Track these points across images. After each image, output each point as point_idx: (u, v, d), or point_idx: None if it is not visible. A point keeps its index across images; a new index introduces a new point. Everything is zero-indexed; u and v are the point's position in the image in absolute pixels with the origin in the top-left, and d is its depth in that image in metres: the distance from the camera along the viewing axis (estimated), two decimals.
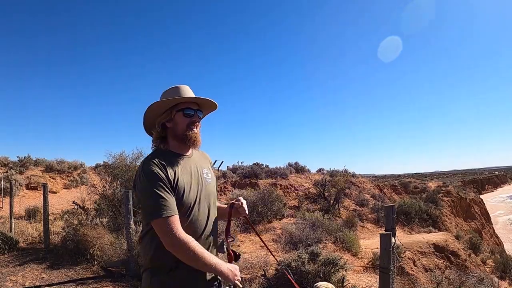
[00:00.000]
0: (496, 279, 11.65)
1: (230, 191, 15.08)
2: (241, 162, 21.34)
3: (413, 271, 10.27)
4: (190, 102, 1.76)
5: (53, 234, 7.50)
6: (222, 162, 23.10)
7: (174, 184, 1.61)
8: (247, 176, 18.14)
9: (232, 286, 1.62)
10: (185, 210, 1.64)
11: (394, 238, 4.08)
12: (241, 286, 1.61)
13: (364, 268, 9.31)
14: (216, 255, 1.81)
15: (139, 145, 8.46)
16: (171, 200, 1.55)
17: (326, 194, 16.20)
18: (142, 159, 6.81)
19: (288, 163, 21.52)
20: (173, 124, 1.75)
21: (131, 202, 5.30)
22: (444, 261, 11.31)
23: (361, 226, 14.84)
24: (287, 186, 17.31)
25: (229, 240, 1.79)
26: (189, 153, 1.82)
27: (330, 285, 2.53)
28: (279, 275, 4.60)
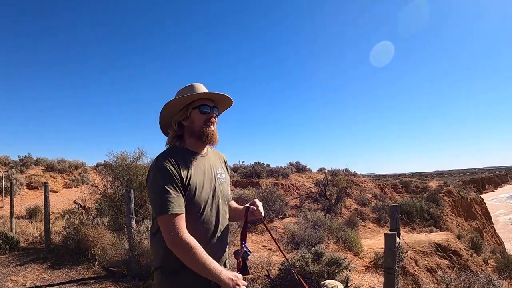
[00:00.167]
0: (495, 278, 11.61)
1: (232, 190, 15.06)
2: (242, 162, 21.31)
3: (415, 270, 10.24)
4: (205, 99, 1.75)
5: (54, 234, 7.46)
6: None
7: (186, 183, 1.59)
8: (249, 176, 18.11)
9: None
10: (197, 210, 1.62)
11: (399, 238, 4.04)
12: None
13: (366, 267, 9.28)
14: (222, 261, 1.77)
15: (140, 144, 8.42)
16: (180, 199, 1.54)
17: (328, 193, 16.17)
18: (142, 158, 6.72)
19: (289, 162, 21.50)
20: (189, 122, 1.73)
21: (132, 202, 5.26)
22: (446, 261, 11.28)
23: (362, 225, 14.81)
24: (288, 185, 17.28)
25: (243, 251, 1.70)
26: (204, 151, 1.80)
27: (337, 282, 2.48)
28: (283, 275, 4.56)
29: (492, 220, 32.43)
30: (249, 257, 1.69)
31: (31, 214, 10.37)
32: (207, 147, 1.82)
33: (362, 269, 8.96)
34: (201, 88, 1.76)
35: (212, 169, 1.78)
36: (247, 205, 1.90)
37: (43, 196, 7.11)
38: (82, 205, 9.98)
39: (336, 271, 4.55)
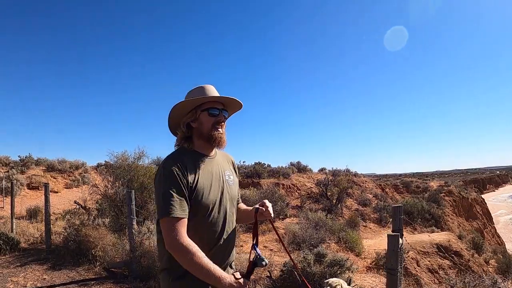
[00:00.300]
0: (499, 280, 11.58)
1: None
2: (243, 162, 21.28)
3: (417, 271, 10.21)
4: (215, 102, 1.74)
5: (55, 234, 7.44)
6: None
7: (194, 185, 1.59)
8: (250, 176, 18.10)
9: None
10: (204, 212, 1.62)
11: (402, 239, 4.01)
12: None
13: (367, 268, 9.25)
14: (229, 263, 1.75)
15: (141, 144, 8.40)
16: (183, 203, 1.53)
17: (329, 193, 16.14)
18: (143, 158, 6.68)
19: (290, 162, 21.48)
20: (198, 124, 1.73)
21: (133, 203, 5.23)
22: (447, 261, 11.25)
23: (363, 226, 14.79)
24: (289, 185, 17.27)
25: (256, 257, 1.61)
26: (212, 153, 1.80)
27: (341, 281, 2.44)
28: (285, 276, 4.53)
29: (493, 220, 32.40)
30: (263, 262, 1.58)
31: (32, 214, 10.35)
32: (215, 149, 1.82)
33: (363, 270, 8.93)
34: (212, 91, 1.75)
35: (220, 171, 1.77)
36: (257, 206, 1.87)
37: (43, 196, 7.09)
38: (83, 205, 9.96)
39: (339, 272, 4.53)
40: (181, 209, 1.51)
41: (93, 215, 8.07)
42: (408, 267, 9.74)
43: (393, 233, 3.80)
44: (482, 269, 12.03)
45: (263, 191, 12.10)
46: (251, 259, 1.62)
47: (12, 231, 7.62)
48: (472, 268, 11.43)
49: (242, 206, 2.02)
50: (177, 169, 1.56)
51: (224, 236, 1.69)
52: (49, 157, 20.87)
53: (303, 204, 15.42)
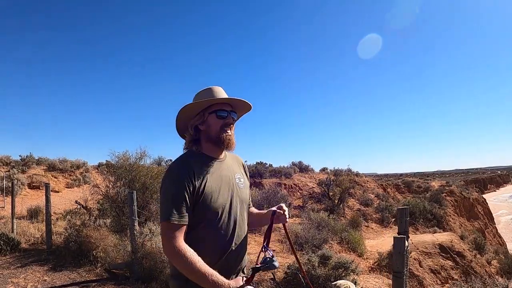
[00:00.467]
0: (501, 280, 11.53)
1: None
2: (245, 161, 21.29)
3: (419, 272, 10.16)
4: (223, 104, 1.70)
5: (56, 235, 7.39)
6: None
7: (201, 189, 1.55)
8: (251, 176, 18.06)
9: None
10: (214, 216, 1.58)
11: (407, 241, 3.95)
12: None
13: (370, 269, 9.20)
14: (241, 268, 1.69)
15: (142, 144, 8.34)
16: (184, 208, 1.50)
17: (331, 193, 16.10)
18: (145, 158, 6.63)
19: (292, 162, 21.43)
20: (206, 127, 1.69)
21: (135, 203, 5.17)
22: (450, 262, 11.19)
23: (365, 226, 14.74)
24: (291, 185, 17.23)
25: (265, 258, 1.55)
26: (222, 156, 1.75)
27: (349, 283, 2.39)
28: (289, 278, 4.46)
29: (494, 220, 32.32)
30: (275, 263, 1.53)
31: (33, 214, 10.29)
32: (225, 151, 1.77)
33: (366, 271, 8.87)
34: (220, 93, 1.72)
35: (230, 174, 1.72)
36: (274, 208, 1.82)
37: (44, 196, 7.04)
38: (84, 205, 9.91)
39: (343, 274, 4.46)
40: (180, 215, 1.48)
41: (94, 215, 8.01)
42: (410, 268, 9.70)
43: (399, 235, 3.74)
44: (485, 270, 11.97)
45: (265, 191, 12.05)
46: (260, 261, 1.57)
47: (12, 231, 7.57)
48: (475, 269, 11.37)
49: (254, 210, 1.97)
50: (182, 174, 1.53)
51: (235, 241, 1.64)
52: (50, 157, 20.85)
53: (305, 204, 15.38)
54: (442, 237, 12.61)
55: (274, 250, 8.38)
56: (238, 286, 1.43)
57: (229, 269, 1.60)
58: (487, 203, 32.44)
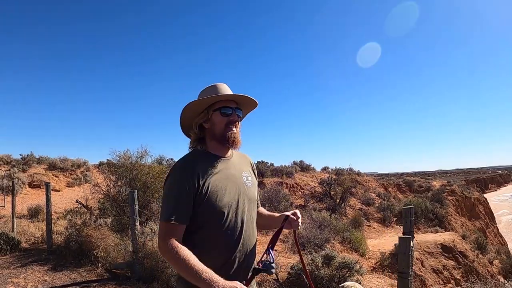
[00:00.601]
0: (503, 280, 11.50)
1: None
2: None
3: (422, 271, 10.13)
4: (227, 101, 1.66)
5: (56, 234, 7.34)
6: None
7: (206, 188, 1.51)
8: None
9: None
10: (220, 216, 1.53)
11: (412, 241, 3.90)
12: None
13: (372, 268, 9.15)
14: (250, 267, 1.64)
15: (144, 143, 8.29)
16: (183, 209, 1.49)
17: (332, 193, 16.06)
18: (146, 157, 6.58)
19: (294, 161, 21.40)
20: (210, 125, 1.65)
21: (136, 203, 5.13)
22: (452, 262, 11.16)
23: (367, 225, 14.70)
24: (293, 184, 17.19)
25: (265, 261, 1.52)
26: (228, 154, 1.70)
27: (357, 284, 2.34)
28: (292, 279, 4.41)
29: (495, 219, 32.29)
30: (272, 270, 1.49)
31: (33, 213, 10.25)
32: (231, 150, 1.73)
33: (368, 270, 8.82)
34: (224, 89, 1.67)
35: (236, 172, 1.67)
36: (288, 213, 1.77)
37: (45, 195, 7.00)
38: (85, 204, 9.86)
39: (347, 275, 4.41)
40: (179, 216, 1.47)
41: (95, 214, 7.96)
42: (413, 267, 9.65)
43: (404, 236, 3.68)
44: (487, 270, 11.93)
45: (267, 190, 12.02)
46: (261, 261, 1.53)
47: (13, 231, 7.53)
48: (477, 269, 11.34)
49: (264, 211, 1.92)
50: (185, 174, 1.51)
51: (243, 241, 1.59)
52: (50, 156, 20.82)
53: (306, 203, 15.35)
54: (444, 236, 12.57)
55: (276, 250, 8.34)
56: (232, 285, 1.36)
57: (238, 269, 1.56)
58: (488, 203, 32.40)
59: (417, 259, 10.46)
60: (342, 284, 2.32)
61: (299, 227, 1.77)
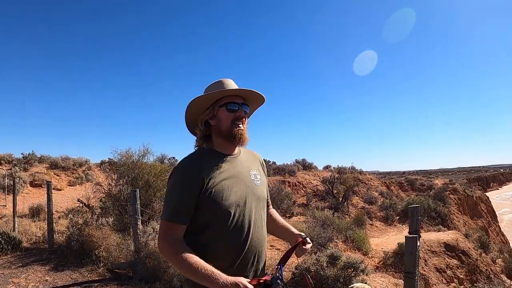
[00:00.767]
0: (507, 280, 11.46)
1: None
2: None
3: (425, 271, 10.07)
4: (234, 96, 1.59)
5: (58, 234, 7.30)
6: None
7: (211, 187, 1.46)
8: None
9: None
10: (227, 215, 1.47)
11: (419, 241, 3.85)
12: None
13: (375, 267, 9.08)
14: (259, 270, 1.58)
15: (145, 141, 8.25)
16: (186, 209, 1.45)
17: (335, 191, 16.01)
18: (148, 156, 6.51)
19: (296, 160, 21.36)
20: (216, 121, 1.58)
21: (138, 202, 5.07)
22: (455, 261, 11.11)
23: (370, 224, 14.64)
24: (295, 183, 17.14)
25: (273, 274, 1.44)
26: (235, 152, 1.64)
27: (366, 286, 2.28)
28: (297, 279, 4.35)
29: (497, 218, 32.24)
30: (279, 287, 1.42)
31: (34, 213, 10.22)
32: (238, 147, 1.66)
33: (371, 270, 8.76)
34: (230, 84, 1.60)
35: (244, 170, 1.61)
36: (303, 236, 1.69)
37: (46, 194, 6.96)
38: (86, 203, 9.83)
39: (353, 275, 4.35)
40: (180, 215, 1.44)
41: (97, 214, 7.92)
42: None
43: (411, 235, 3.62)
44: (490, 269, 11.87)
45: (269, 188, 11.95)
46: (271, 273, 1.45)
47: (14, 230, 7.47)
48: (480, 268, 11.28)
49: (277, 217, 1.85)
50: (188, 173, 1.47)
51: (251, 241, 1.53)
52: (52, 155, 20.81)
53: (309, 202, 15.30)
54: (447, 235, 12.51)
55: (278, 249, 8.28)
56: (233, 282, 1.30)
57: (246, 269, 1.51)
58: (490, 202, 32.36)
59: (420, 258, 10.42)
60: (350, 286, 2.27)
61: (304, 254, 1.72)
